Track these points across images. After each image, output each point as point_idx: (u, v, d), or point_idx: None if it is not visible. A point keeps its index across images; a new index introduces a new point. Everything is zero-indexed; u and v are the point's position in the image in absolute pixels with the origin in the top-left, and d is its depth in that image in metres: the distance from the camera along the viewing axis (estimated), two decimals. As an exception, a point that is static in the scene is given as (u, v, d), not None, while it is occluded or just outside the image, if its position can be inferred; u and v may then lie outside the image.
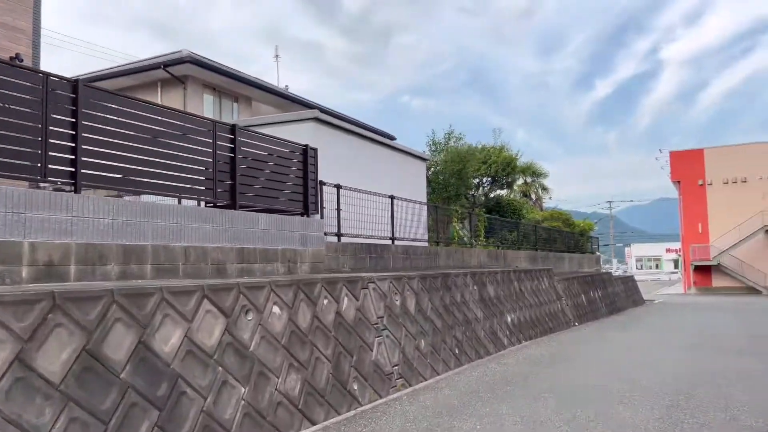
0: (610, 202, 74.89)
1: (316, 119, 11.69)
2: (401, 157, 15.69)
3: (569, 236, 27.34)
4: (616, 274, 59.98)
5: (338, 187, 11.10)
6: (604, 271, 31.58)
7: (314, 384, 7.09)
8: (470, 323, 11.91)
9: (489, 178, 20.79)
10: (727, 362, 10.93)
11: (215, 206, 8.47)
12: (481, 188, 21.39)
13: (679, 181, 46.69)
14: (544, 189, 33.44)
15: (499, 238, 19.88)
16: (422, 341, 9.87)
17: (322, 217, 10.63)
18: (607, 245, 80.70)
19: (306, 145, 10.27)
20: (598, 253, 30.77)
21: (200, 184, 8.16)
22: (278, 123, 11.68)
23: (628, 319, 21.95)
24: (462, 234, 17.52)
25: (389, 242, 12.94)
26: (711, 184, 44.97)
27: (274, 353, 6.71)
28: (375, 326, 8.75)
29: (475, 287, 12.82)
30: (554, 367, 10.52)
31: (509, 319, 14.00)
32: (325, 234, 10.74)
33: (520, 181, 33.77)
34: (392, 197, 13.07)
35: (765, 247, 42.79)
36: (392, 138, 17.50)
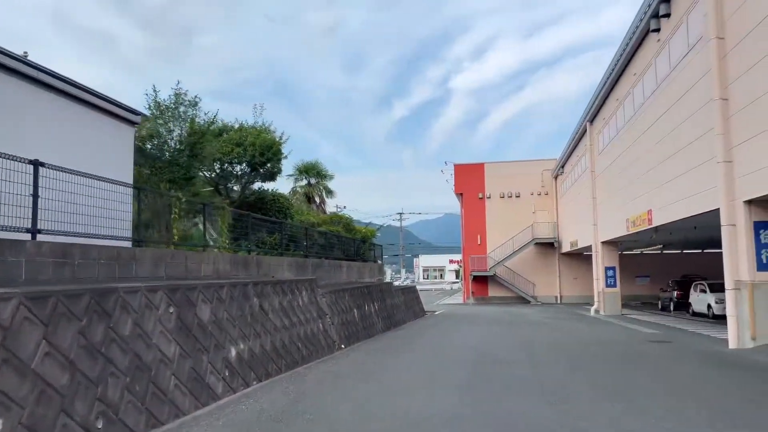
0: (400, 213, 75.38)
1: None
2: (86, 113, 10.48)
3: (349, 242, 24.05)
4: (404, 284, 59.37)
5: None
6: (386, 281, 28.99)
7: None
8: (148, 369, 7.24)
9: (248, 167, 16.37)
10: (518, 414, 7.73)
11: None
12: (242, 178, 16.81)
13: (461, 194, 46.96)
14: (329, 192, 30.09)
15: (255, 241, 15.54)
16: (-4, 424, 4.99)
17: None
18: (397, 255, 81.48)
19: None
20: (380, 262, 28.10)
21: None
22: None
23: (406, 336, 19.01)
24: (194, 232, 12.82)
25: (27, 236, 7.77)
26: (489, 197, 45.80)
27: None
28: None
29: (172, 309, 8.18)
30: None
31: (234, 352, 9.59)
32: None
33: (303, 182, 30.05)
34: (37, 163, 7.92)
35: (534, 258, 44.45)
36: (137, 114, 12.21)
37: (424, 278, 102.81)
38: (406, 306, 26.53)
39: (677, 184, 17.44)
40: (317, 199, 29.24)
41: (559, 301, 43.60)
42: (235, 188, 17.76)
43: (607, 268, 28.97)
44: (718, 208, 14.08)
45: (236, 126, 16.66)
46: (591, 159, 29.87)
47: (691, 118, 16.08)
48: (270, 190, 17.86)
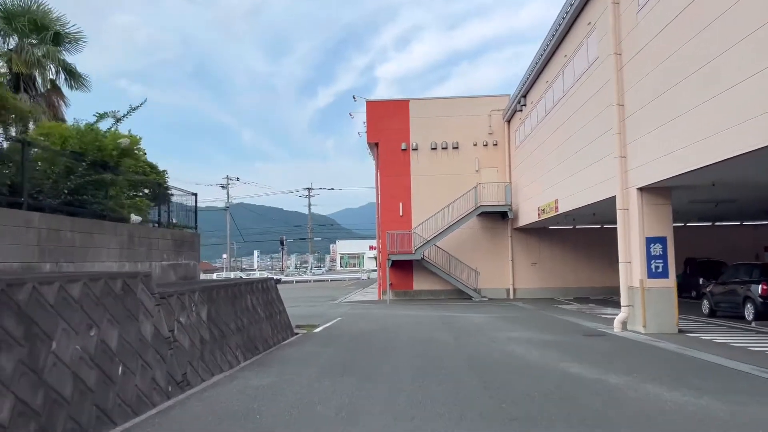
0: (308, 189, 58.40)
1: None
2: None
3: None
4: (302, 276, 41.89)
5: None
6: (143, 272, 12.27)
7: None
8: None
9: None
10: None
11: None
12: None
13: (376, 144, 30.81)
14: (73, 75, 13.01)
15: None
16: None
17: None
18: (305, 239, 64.72)
19: None
20: (191, 230, 11.42)
21: None
22: None
23: None
24: None
25: None
26: (416, 148, 29.98)
27: None
28: None
29: None
30: None
31: None
32: None
33: (10, 42, 12.68)
34: None
35: (479, 236, 29.10)
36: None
37: (340, 266, 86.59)
38: (220, 334, 10.00)
39: None
40: (46, 85, 12.19)
41: (512, 296, 28.52)
42: None
43: (650, 241, 13.72)
44: None
45: None
46: (615, 32, 14.44)
47: None
48: None
